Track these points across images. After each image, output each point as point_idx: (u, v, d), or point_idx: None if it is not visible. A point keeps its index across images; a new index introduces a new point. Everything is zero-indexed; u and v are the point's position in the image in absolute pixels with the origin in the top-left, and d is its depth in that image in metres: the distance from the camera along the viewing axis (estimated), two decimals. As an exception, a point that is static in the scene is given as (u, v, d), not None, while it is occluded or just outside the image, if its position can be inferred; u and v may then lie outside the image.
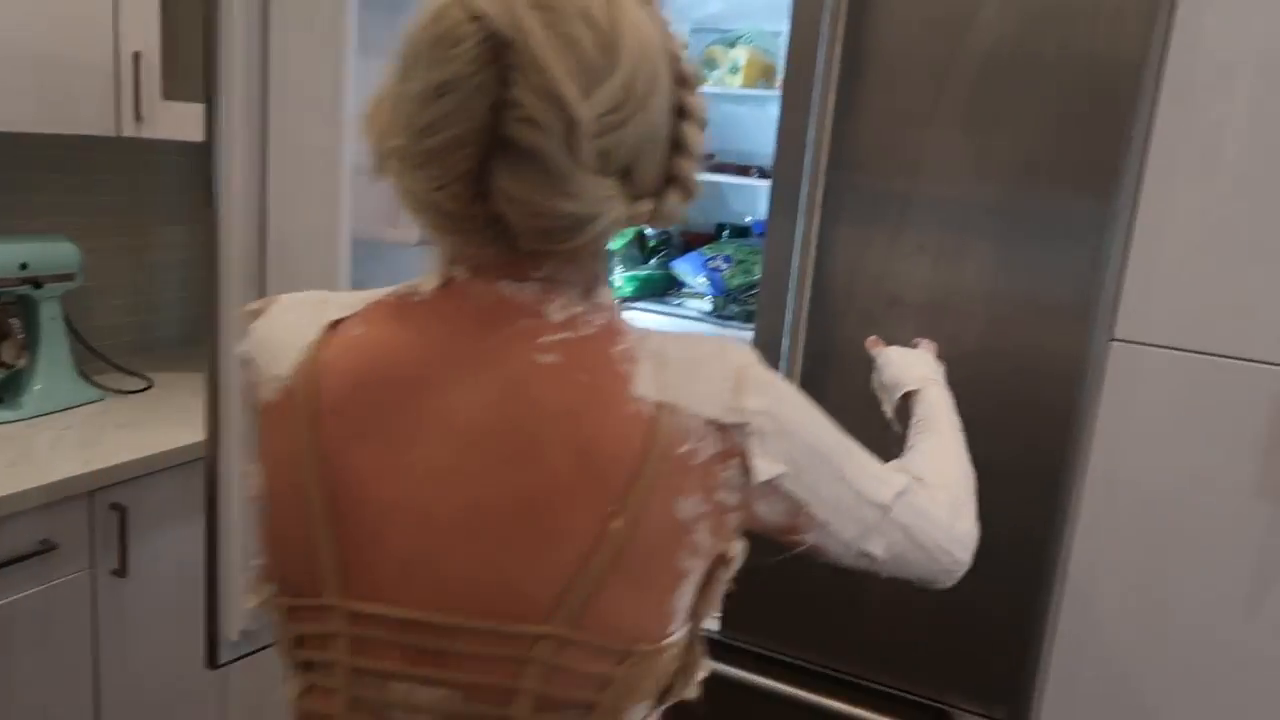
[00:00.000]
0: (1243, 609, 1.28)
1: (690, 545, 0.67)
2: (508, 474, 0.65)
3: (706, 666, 0.74)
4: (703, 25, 1.90)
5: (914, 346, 1.15)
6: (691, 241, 1.99)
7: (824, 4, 1.33)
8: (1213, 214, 1.25)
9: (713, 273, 1.80)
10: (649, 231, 1.90)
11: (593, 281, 0.70)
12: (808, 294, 1.39)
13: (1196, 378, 1.27)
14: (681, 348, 0.69)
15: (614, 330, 0.69)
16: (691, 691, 0.73)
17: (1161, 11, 1.22)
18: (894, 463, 0.82)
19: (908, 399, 1.01)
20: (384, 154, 0.65)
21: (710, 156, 1.93)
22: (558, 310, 0.68)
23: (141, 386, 1.88)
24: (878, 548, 0.74)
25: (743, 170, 1.88)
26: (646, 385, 0.66)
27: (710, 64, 1.84)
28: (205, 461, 1.31)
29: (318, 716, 0.72)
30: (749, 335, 1.76)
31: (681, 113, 0.66)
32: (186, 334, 2.20)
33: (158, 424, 1.91)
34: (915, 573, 0.78)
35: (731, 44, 1.84)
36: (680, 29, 1.73)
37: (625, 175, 0.64)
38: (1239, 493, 1.27)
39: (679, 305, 1.89)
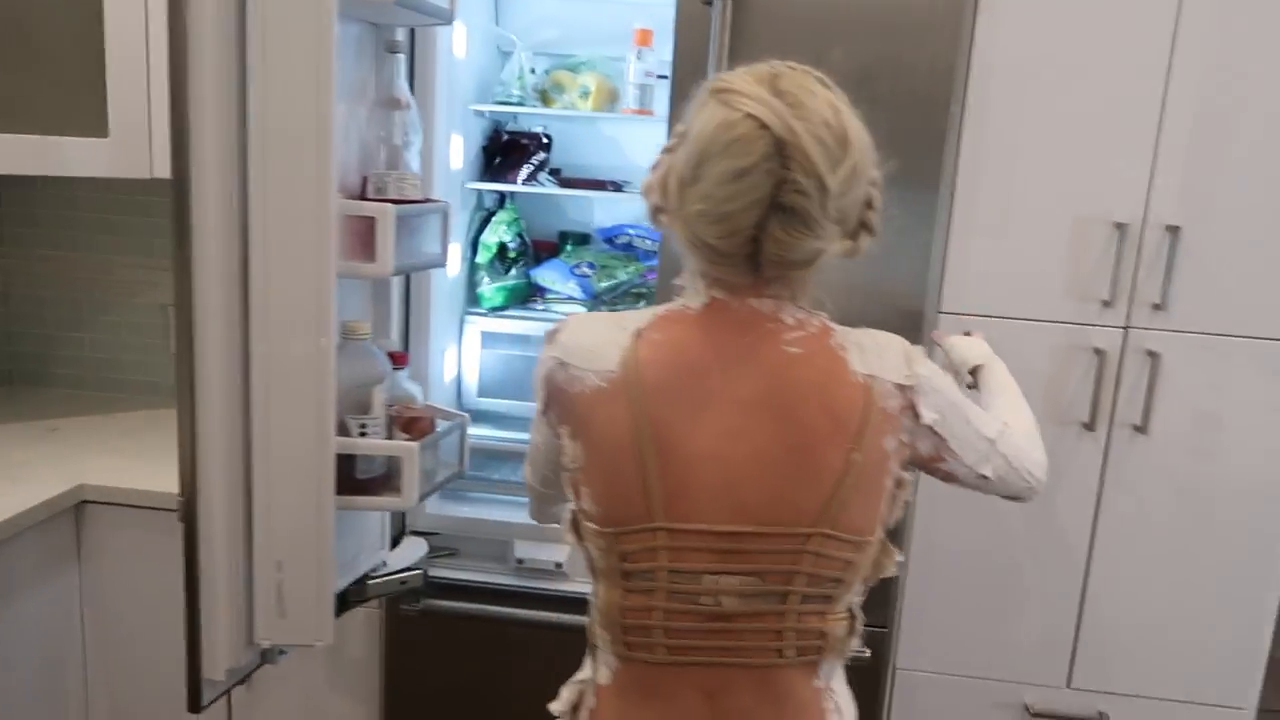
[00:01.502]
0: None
1: (889, 470, 1.02)
2: (778, 430, 0.99)
3: (897, 551, 1.09)
4: (542, 50, 2.06)
5: (967, 335, 1.46)
6: (539, 250, 2.16)
7: (710, 36, 1.56)
8: (1011, 203, 1.65)
9: (582, 279, 1.98)
10: (510, 244, 2.04)
11: (798, 295, 1.03)
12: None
13: (1002, 334, 1.68)
14: (868, 337, 1.03)
15: (826, 328, 1.03)
16: (889, 570, 1.08)
17: (964, 29, 1.58)
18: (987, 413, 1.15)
19: (975, 372, 1.35)
20: (671, 212, 1.01)
21: (556, 172, 2.10)
22: (789, 316, 1.02)
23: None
24: (989, 470, 1.07)
25: (598, 185, 2.08)
26: (858, 364, 1.00)
27: (558, 88, 2.01)
28: (183, 503, 1.30)
29: (641, 612, 1.03)
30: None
31: (873, 184, 1.01)
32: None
33: (12, 481, 1.79)
34: (1012, 490, 1.11)
35: (574, 69, 2.02)
36: (523, 54, 1.90)
37: (842, 223, 0.98)
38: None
39: (545, 310, 2.05)
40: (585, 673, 1.15)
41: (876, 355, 1.02)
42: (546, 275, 2.04)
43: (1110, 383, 1.66)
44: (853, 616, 1.07)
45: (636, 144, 2.15)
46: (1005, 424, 1.12)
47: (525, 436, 1.96)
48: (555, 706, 1.17)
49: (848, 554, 1.01)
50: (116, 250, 2.36)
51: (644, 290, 2.02)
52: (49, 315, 2.39)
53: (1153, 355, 1.63)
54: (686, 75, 1.59)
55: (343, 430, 1.37)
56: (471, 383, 2.04)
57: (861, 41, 1.53)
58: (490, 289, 2.01)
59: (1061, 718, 1.77)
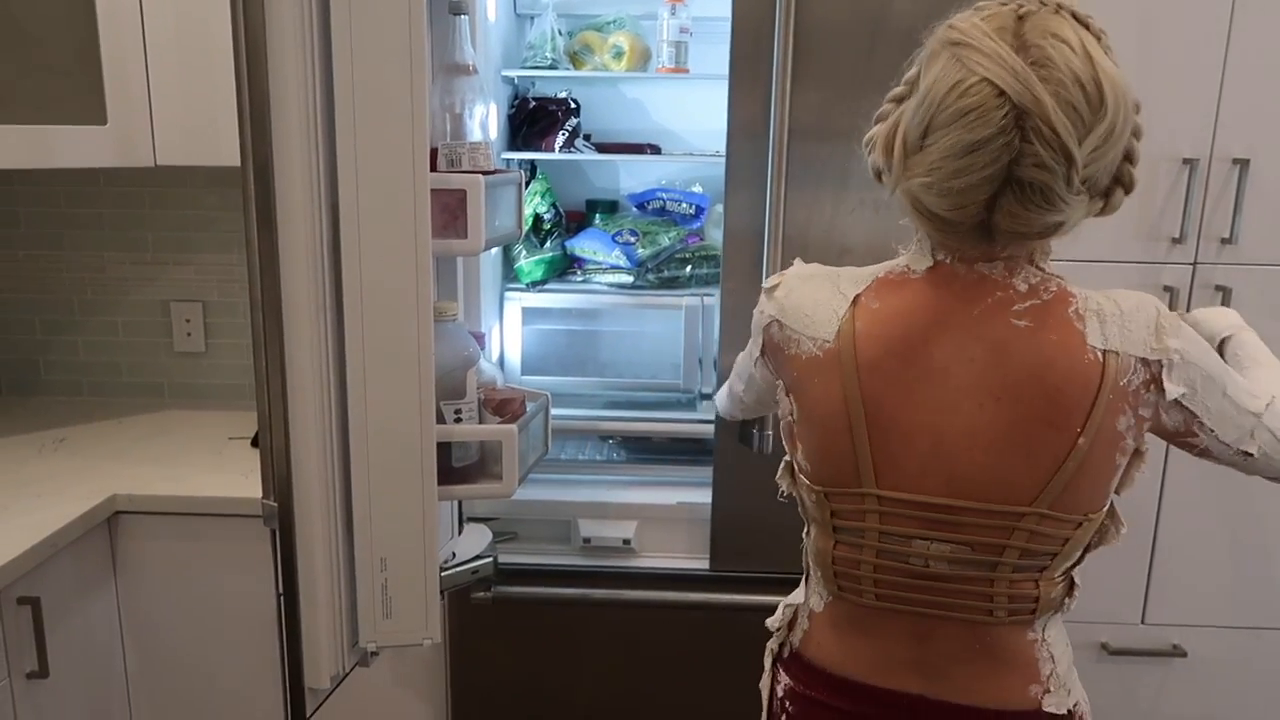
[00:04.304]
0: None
1: (1123, 448, 0.96)
2: (999, 408, 0.93)
3: (1124, 525, 1.04)
4: (564, 11, 1.97)
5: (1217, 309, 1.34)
6: (570, 220, 2.08)
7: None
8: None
9: (626, 247, 1.91)
10: (545, 215, 1.96)
11: (1035, 254, 0.95)
12: (780, 252, 1.58)
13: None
14: (1113, 304, 0.94)
15: (1066, 294, 0.95)
16: (1112, 540, 1.04)
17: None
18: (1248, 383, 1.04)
19: (1224, 344, 1.20)
20: (899, 178, 0.92)
21: (588, 137, 2.03)
22: (1022, 281, 0.94)
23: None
24: (1253, 447, 0.98)
25: (636, 149, 2.01)
26: (1096, 338, 0.92)
27: (587, 50, 1.93)
28: (276, 508, 1.22)
29: (850, 562, 1.03)
30: (677, 300, 1.92)
31: (1134, 132, 0.91)
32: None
33: (37, 497, 1.69)
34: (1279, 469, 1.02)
35: (599, 29, 1.94)
36: (547, 16, 1.82)
37: (1091, 186, 0.88)
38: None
39: (585, 281, 1.99)
40: (799, 597, 1.16)
41: (1119, 326, 0.93)
42: (586, 245, 1.97)
43: (1180, 320, 1.66)
44: (1071, 581, 1.04)
45: (669, 104, 2.08)
46: (1274, 396, 1.00)
47: (576, 413, 1.94)
48: (771, 622, 1.18)
49: (1067, 532, 0.97)
50: (108, 246, 2.21)
51: (687, 255, 1.96)
52: (38, 319, 2.24)
53: (1222, 290, 1.64)
54: (747, 29, 1.53)
55: (437, 417, 1.30)
56: (515, 361, 1.97)
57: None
58: (528, 263, 1.94)
59: (1138, 652, 1.79)
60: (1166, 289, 1.65)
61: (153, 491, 1.74)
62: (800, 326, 1.00)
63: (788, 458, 1.09)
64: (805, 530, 1.12)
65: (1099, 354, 0.92)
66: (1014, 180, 0.85)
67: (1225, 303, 1.64)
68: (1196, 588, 1.78)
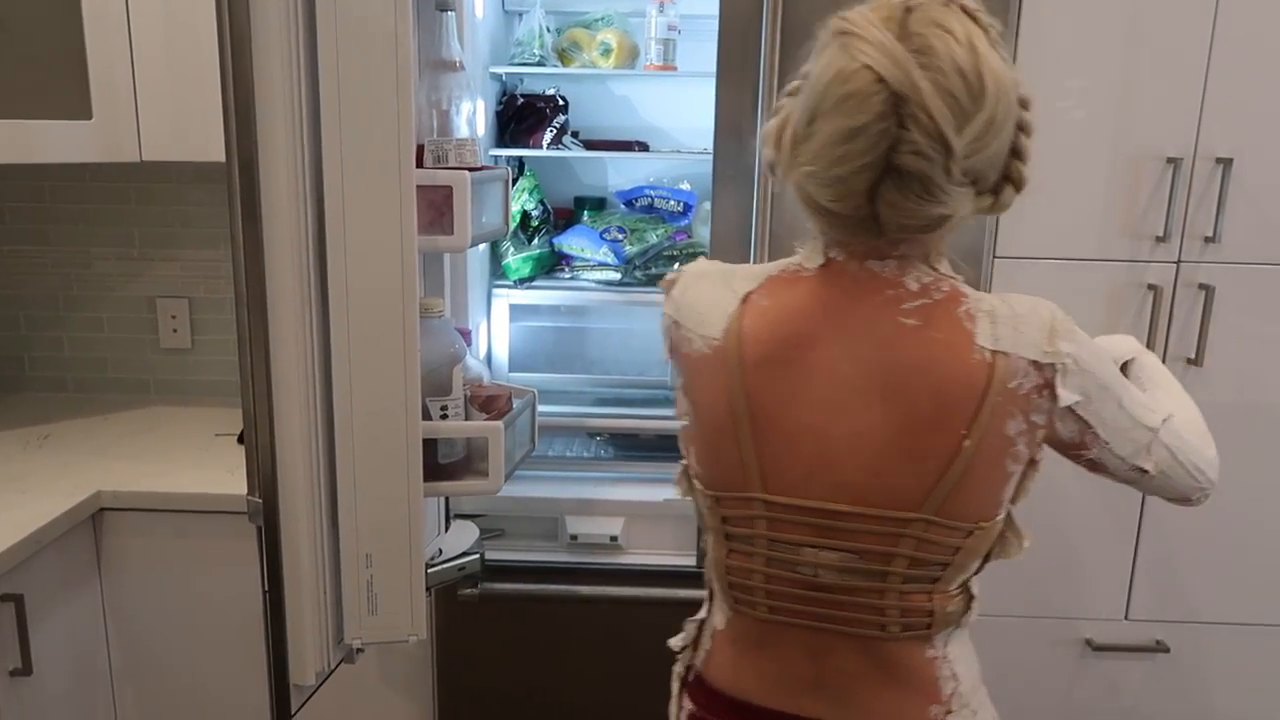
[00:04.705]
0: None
1: (1014, 454, 0.92)
2: (882, 410, 0.90)
3: (1027, 536, 0.99)
4: (552, 8, 1.97)
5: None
6: (559, 217, 2.08)
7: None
8: (1063, 142, 1.63)
9: (613, 244, 1.91)
10: (532, 212, 1.96)
11: (931, 254, 0.92)
12: (767, 250, 1.59)
13: (1058, 275, 1.68)
14: (1006, 306, 0.91)
15: (957, 294, 0.92)
16: (1013, 554, 0.99)
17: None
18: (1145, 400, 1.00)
19: (1125, 367, 1.17)
20: (788, 170, 0.90)
21: (576, 134, 2.02)
22: (914, 280, 0.91)
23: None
24: (1148, 464, 0.95)
25: (623, 146, 2.01)
26: (985, 338, 0.89)
27: (576, 47, 1.93)
28: (261, 504, 1.22)
29: (742, 570, 0.99)
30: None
31: (1022, 127, 0.88)
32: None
33: (21, 493, 1.69)
34: (1177, 489, 0.99)
35: (587, 26, 1.94)
36: (541, 12, 1.82)
37: (977, 181, 0.86)
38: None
39: (573, 278, 1.99)
40: (703, 613, 1.12)
41: (1011, 327, 0.89)
42: (574, 242, 1.97)
43: (1164, 318, 1.67)
44: (969, 594, 1.00)
45: (657, 101, 2.08)
46: (1171, 414, 0.98)
47: (563, 409, 1.95)
48: (674, 642, 1.15)
49: (956, 540, 0.93)
50: (93, 242, 2.20)
51: (675, 253, 1.96)
52: (22, 315, 2.23)
53: (1205, 288, 1.65)
54: (734, 28, 1.54)
55: (423, 414, 1.29)
56: (503, 358, 1.97)
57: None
58: (516, 259, 1.93)
59: (1122, 648, 1.81)
60: (1151, 287, 1.66)
61: (138, 488, 1.73)
62: (693, 325, 0.97)
63: (684, 461, 1.05)
64: (703, 542, 1.08)
65: (987, 354, 0.88)
66: (893, 168, 0.83)
67: (1209, 301, 1.65)
68: (1180, 584, 1.79)
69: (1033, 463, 0.94)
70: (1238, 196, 1.61)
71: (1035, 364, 0.89)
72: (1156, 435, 0.95)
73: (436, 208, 1.24)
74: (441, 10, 1.34)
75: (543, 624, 1.80)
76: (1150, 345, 1.67)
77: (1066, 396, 0.89)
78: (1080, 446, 0.94)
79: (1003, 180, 0.89)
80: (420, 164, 1.34)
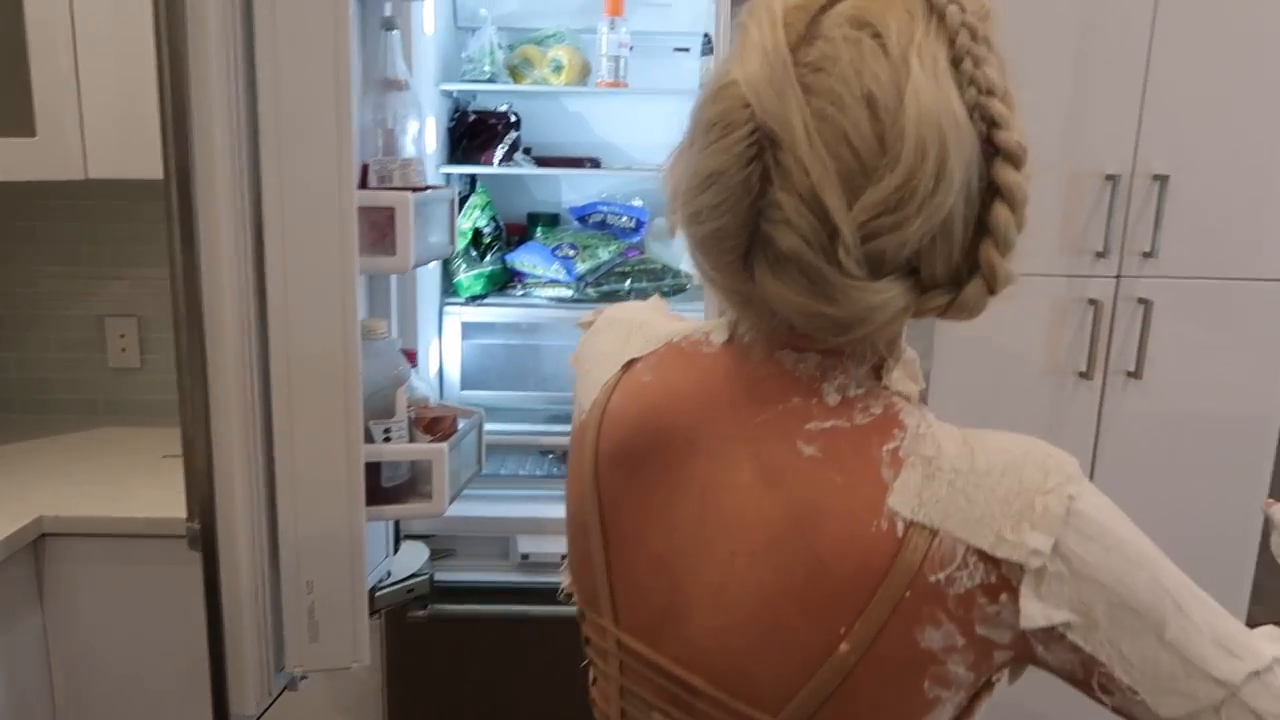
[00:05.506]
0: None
1: (940, 677, 0.60)
2: (751, 566, 0.63)
3: None
4: (504, 24, 1.97)
5: None
6: (509, 233, 2.08)
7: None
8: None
9: (565, 260, 1.91)
10: (484, 229, 1.96)
11: (881, 363, 0.65)
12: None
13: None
14: (966, 454, 0.60)
15: (890, 422, 0.62)
16: None
17: None
18: (1267, 628, 0.66)
19: None
20: (669, 212, 0.65)
21: (528, 151, 2.02)
22: (834, 391, 0.63)
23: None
24: None
25: (575, 163, 2.01)
26: (904, 498, 0.59)
27: (527, 64, 1.93)
28: (200, 530, 1.21)
29: (601, 709, 0.78)
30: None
31: (995, 192, 0.57)
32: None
33: None
34: None
35: (539, 43, 1.94)
36: (492, 29, 1.82)
37: (911, 270, 0.58)
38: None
39: (525, 295, 1.98)
40: None
41: (955, 489, 0.58)
42: (525, 259, 1.97)
43: (1105, 332, 1.70)
44: None
45: (609, 118, 2.09)
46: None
47: (515, 428, 1.94)
48: None
49: None
50: (40, 260, 2.16)
51: (626, 269, 1.97)
52: (-35, 335, 2.19)
53: (1144, 302, 1.68)
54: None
55: (366, 436, 1.28)
56: (454, 375, 1.96)
57: None
58: (468, 277, 1.93)
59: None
60: (1092, 302, 1.68)
61: (82, 513, 1.70)
62: (579, 386, 0.77)
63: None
64: None
65: (899, 524, 0.59)
66: (763, 240, 0.58)
67: (1148, 315, 1.68)
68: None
69: (988, 685, 0.64)
70: (1173, 213, 1.65)
71: (986, 557, 0.57)
72: (1235, 695, 0.57)
73: (379, 228, 1.23)
74: (386, 29, 1.34)
75: (494, 645, 1.79)
76: (1091, 360, 1.70)
77: (1038, 614, 0.57)
78: (1088, 688, 0.60)
79: (969, 270, 0.59)
80: (365, 184, 1.33)
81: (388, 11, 1.34)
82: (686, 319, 0.78)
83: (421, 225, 1.32)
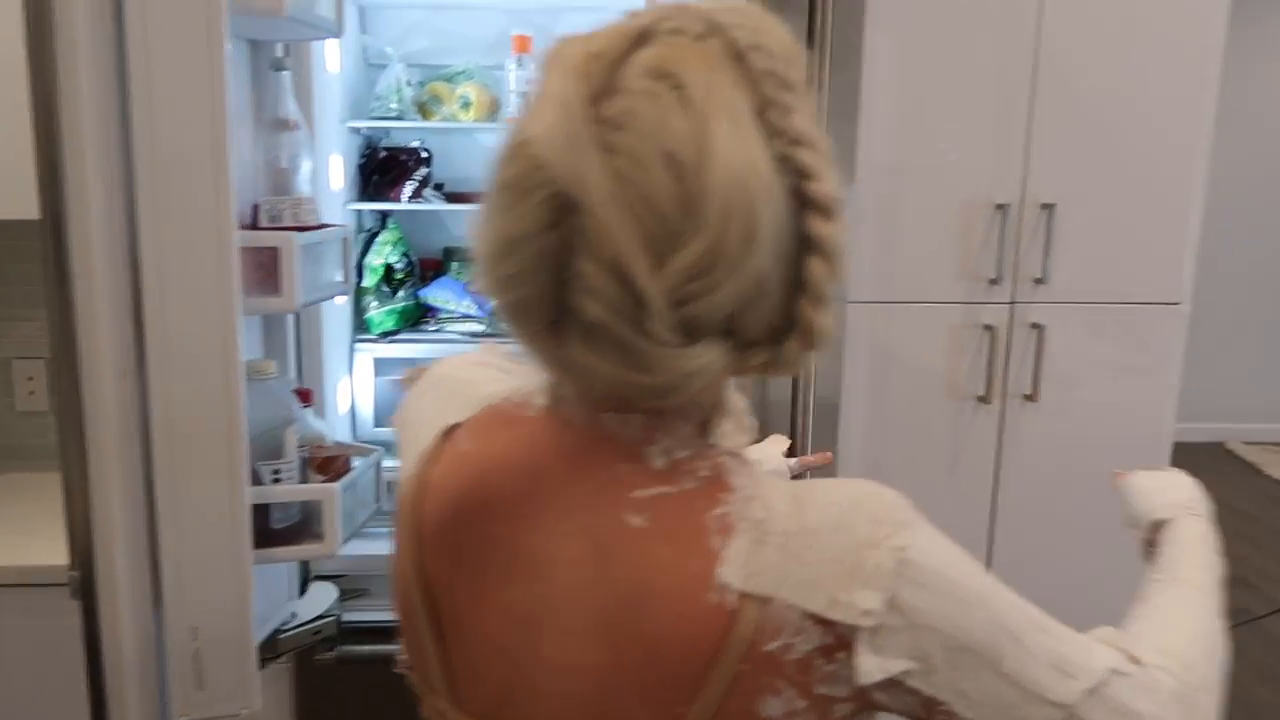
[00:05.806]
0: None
1: None
2: (584, 647, 0.60)
3: None
4: (414, 61, 1.98)
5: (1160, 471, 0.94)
6: (425, 269, 2.08)
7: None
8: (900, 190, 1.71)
9: (476, 296, 1.92)
10: (396, 265, 1.95)
11: (708, 420, 0.63)
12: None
13: (900, 318, 1.74)
14: (796, 512, 0.58)
15: (719, 485, 0.60)
16: None
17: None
18: (1106, 630, 0.66)
19: (1157, 530, 0.83)
20: (476, 275, 0.60)
21: (439, 187, 2.03)
22: (660, 453, 0.60)
23: None
24: None
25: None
26: (734, 569, 0.57)
27: (436, 100, 1.94)
28: (77, 578, 1.18)
29: None
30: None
31: (808, 245, 0.56)
32: None
33: None
34: None
35: (449, 80, 1.96)
36: (400, 66, 1.83)
37: (727, 331, 0.56)
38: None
39: (438, 331, 1.98)
40: None
41: (785, 554, 0.57)
42: (438, 295, 1.97)
43: (1001, 357, 1.74)
44: None
45: (519, 154, 2.10)
46: (1133, 660, 0.61)
47: (429, 464, 1.92)
48: None
49: None
50: (-60, 301, 2.11)
51: (540, 303, 1.97)
52: None
53: (1037, 327, 1.73)
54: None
55: (254, 478, 1.27)
56: (367, 412, 1.94)
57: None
58: (379, 313, 1.92)
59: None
60: (987, 328, 1.73)
61: (-2, 562, 1.64)
62: (403, 449, 0.73)
63: None
64: None
65: (731, 596, 0.56)
66: (570, 310, 0.55)
67: (1040, 340, 1.72)
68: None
69: None
70: (1061, 240, 1.70)
71: (820, 620, 0.56)
72: (1072, 714, 0.58)
73: (265, 269, 1.22)
74: (276, 70, 1.34)
75: (405, 686, 1.76)
76: (989, 384, 1.74)
77: (875, 669, 0.56)
78: None
79: (782, 326, 0.57)
80: (256, 223, 1.32)
81: (279, 53, 1.35)
82: (515, 370, 0.74)
83: (312, 264, 1.32)
